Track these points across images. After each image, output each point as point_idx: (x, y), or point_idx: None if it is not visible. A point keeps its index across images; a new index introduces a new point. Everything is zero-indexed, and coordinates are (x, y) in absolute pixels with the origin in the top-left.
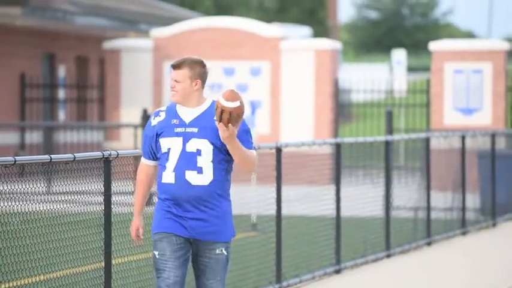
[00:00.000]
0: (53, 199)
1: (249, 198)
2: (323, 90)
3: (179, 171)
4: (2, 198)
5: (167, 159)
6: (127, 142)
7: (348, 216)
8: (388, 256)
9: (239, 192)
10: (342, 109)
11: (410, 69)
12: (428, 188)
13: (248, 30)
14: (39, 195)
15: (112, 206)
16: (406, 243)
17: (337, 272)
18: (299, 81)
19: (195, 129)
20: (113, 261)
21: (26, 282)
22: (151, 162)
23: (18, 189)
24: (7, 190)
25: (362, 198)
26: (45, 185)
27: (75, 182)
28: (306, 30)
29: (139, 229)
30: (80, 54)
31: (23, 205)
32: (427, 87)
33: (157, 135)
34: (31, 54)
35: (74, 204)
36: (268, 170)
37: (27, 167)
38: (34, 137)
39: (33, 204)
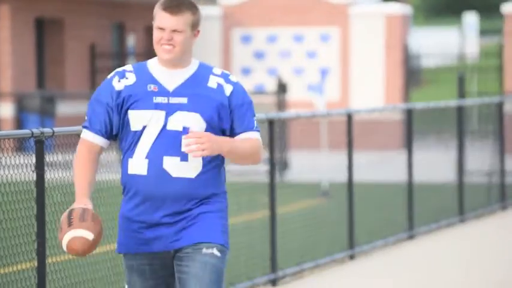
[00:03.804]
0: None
1: (319, 165)
2: (393, 55)
3: (155, 157)
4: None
5: (137, 141)
6: None
7: (420, 182)
8: (462, 221)
9: (310, 159)
10: (412, 74)
11: (483, 32)
12: (502, 152)
13: None
14: (110, 166)
15: None
16: (480, 207)
17: (411, 238)
18: (369, 47)
19: (184, 99)
20: None
21: None
22: (101, 141)
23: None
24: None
25: (434, 163)
26: (117, 154)
27: None
28: None
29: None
30: (149, 23)
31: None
32: (499, 51)
33: (124, 106)
34: (101, 24)
35: None
36: (339, 136)
37: None
38: None
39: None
